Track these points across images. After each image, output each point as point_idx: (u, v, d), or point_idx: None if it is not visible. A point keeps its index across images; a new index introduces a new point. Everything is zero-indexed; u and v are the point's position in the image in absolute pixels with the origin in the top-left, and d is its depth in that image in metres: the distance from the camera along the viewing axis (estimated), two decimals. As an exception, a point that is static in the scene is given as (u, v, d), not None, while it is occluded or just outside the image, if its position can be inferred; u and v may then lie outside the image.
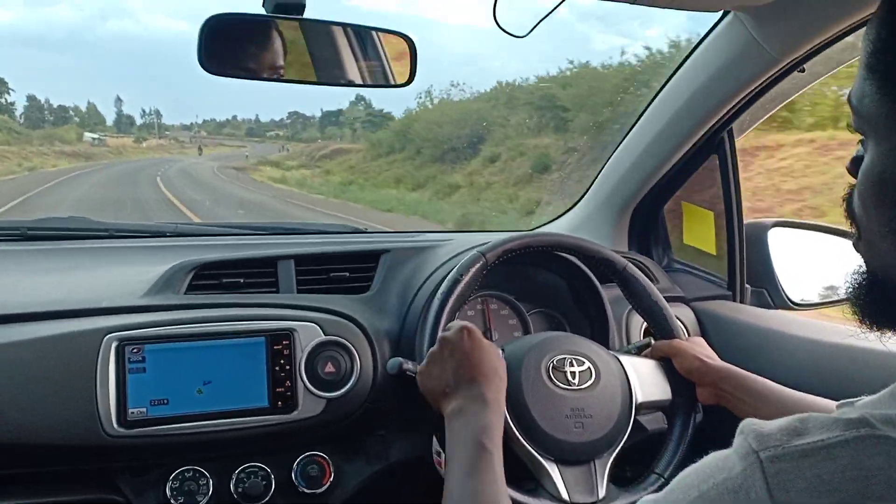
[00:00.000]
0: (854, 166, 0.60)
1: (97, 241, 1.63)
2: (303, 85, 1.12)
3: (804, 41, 1.21)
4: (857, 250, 0.62)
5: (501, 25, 1.14)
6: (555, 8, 1.21)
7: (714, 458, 0.57)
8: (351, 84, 1.16)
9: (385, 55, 1.18)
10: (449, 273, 1.25)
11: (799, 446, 0.51)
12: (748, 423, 0.56)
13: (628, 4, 1.17)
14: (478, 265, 1.24)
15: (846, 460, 0.49)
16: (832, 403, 1.02)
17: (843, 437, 0.50)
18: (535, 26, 1.20)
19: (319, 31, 1.14)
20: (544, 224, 2.12)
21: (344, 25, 1.16)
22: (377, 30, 1.17)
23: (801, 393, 1.11)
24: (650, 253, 1.89)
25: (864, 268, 0.61)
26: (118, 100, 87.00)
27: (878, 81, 0.55)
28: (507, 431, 1.14)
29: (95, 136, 52.58)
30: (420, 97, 23.93)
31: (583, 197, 2.00)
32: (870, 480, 0.48)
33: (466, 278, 1.23)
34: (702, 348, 1.26)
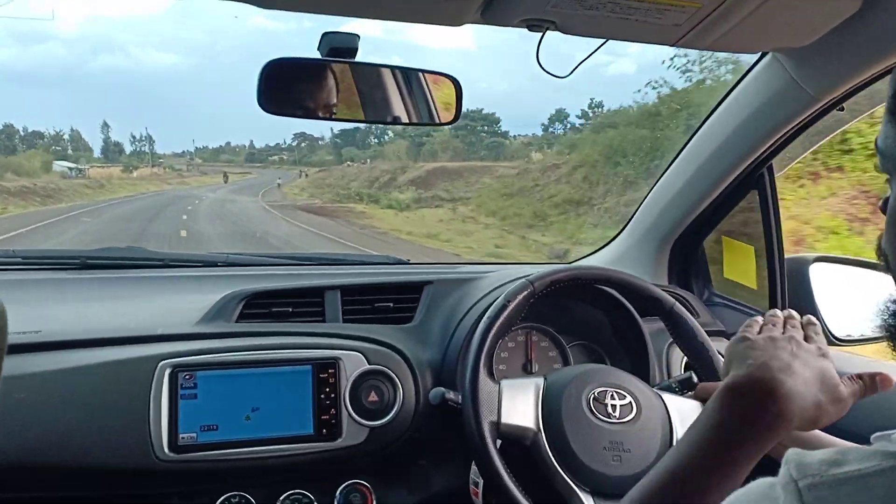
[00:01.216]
0: (884, 206, 0.62)
1: (153, 269, 1.70)
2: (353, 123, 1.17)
3: (843, 81, 1.22)
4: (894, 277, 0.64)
5: (544, 67, 1.18)
6: (595, 50, 1.24)
7: (759, 484, 0.58)
8: (397, 122, 1.20)
9: (431, 95, 1.23)
10: (494, 301, 1.27)
11: (837, 475, 0.52)
12: (792, 453, 0.57)
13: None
14: (525, 293, 1.26)
15: (882, 490, 0.51)
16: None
17: (880, 467, 0.51)
18: (575, 67, 1.24)
19: (370, 73, 1.20)
20: (585, 256, 2.13)
21: (393, 68, 1.21)
22: (424, 71, 1.22)
23: (839, 440, 1.10)
24: (690, 286, 1.89)
25: (894, 297, 0.63)
26: (105, 125, 74.19)
27: None
28: (544, 459, 1.15)
29: (71, 165, 44.70)
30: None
31: (623, 229, 2.01)
32: None
33: (513, 305, 1.24)
34: None
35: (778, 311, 0.98)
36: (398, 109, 1.22)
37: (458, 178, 25.76)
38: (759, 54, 1.36)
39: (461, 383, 1.20)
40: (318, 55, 1.12)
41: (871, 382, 0.90)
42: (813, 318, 0.97)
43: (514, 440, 1.18)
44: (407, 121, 1.23)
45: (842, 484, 0.52)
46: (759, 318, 0.96)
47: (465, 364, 1.22)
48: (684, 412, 1.24)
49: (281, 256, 1.94)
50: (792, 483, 0.54)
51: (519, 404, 1.19)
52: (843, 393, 0.86)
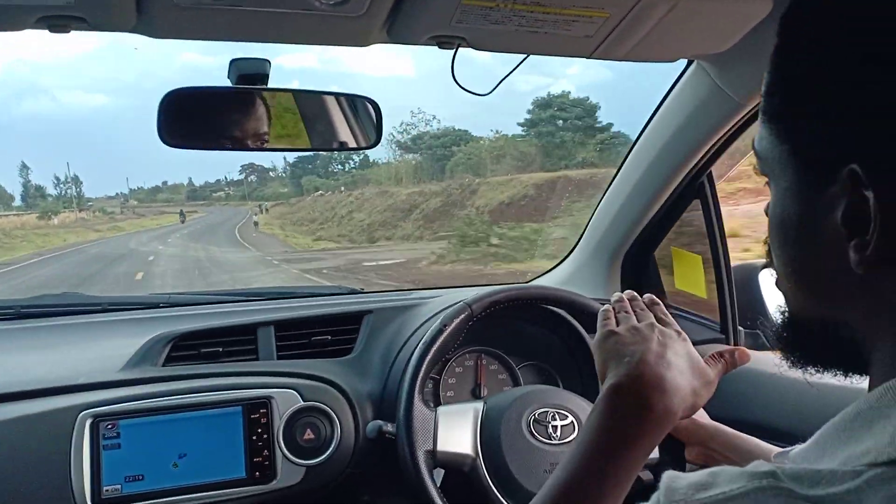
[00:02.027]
0: (768, 208, 0.60)
1: (91, 315, 1.64)
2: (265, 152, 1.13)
3: (764, 85, 1.21)
4: (779, 289, 0.62)
5: (461, 84, 1.15)
6: (517, 66, 1.22)
7: None
8: (313, 148, 1.17)
9: (349, 118, 1.20)
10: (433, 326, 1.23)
11: (703, 499, 0.49)
12: (666, 476, 0.54)
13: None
14: (463, 316, 1.23)
15: None
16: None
17: (743, 489, 0.48)
18: (497, 84, 1.21)
19: (283, 99, 1.16)
20: (538, 276, 2.10)
21: (308, 92, 1.18)
22: (341, 95, 1.19)
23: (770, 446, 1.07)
24: (642, 300, 1.87)
25: (783, 306, 0.61)
26: (24, 167, 62.48)
27: (770, 123, 0.56)
28: (483, 485, 1.12)
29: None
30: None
31: (574, 248, 1.99)
32: None
33: (450, 328, 1.21)
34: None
35: (621, 294, 0.97)
36: (316, 135, 1.18)
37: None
38: (686, 62, 1.35)
39: (400, 414, 1.16)
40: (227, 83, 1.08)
41: (731, 359, 0.93)
42: (655, 298, 0.97)
43: (452, 468, 1.15)
44: (325, 147, 1.20)
45: None
46: (609, 306, 0.94)
47: (401, 391, 1.18)
48: None
49: (232, 294, 1.89)
50: None
51: (456, 431, 1.16)
52: (710, 374, 0.88)
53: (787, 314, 0.61)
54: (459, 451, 1.14)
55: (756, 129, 0.59)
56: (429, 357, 1.19)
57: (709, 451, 1.13)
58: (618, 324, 0.89)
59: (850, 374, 0.57)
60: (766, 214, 0.59)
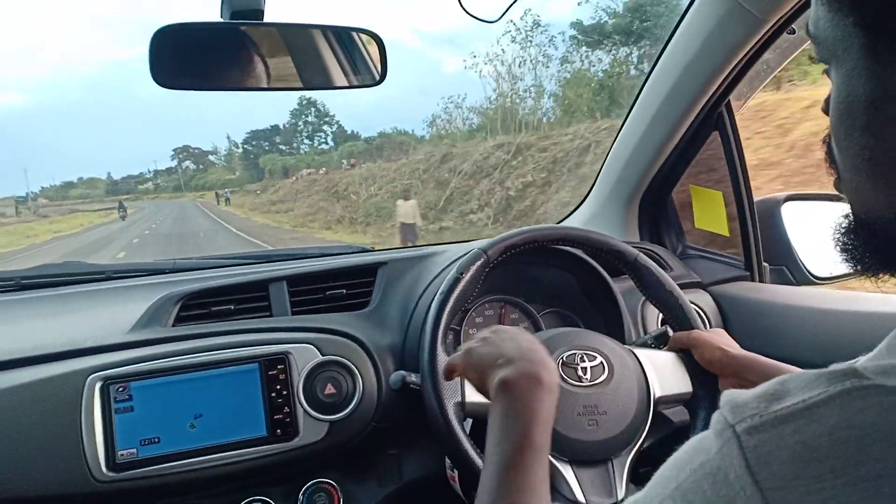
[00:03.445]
0: (827, 104, 0.55)
1: (94, 284, 1.58)
2: (265, 92, 1.06)
3: (787, -3, 1.14)
4: (839, 190, 0.56)
5: (470, 12, 1.09)
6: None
7: (693, 441, 0.50)
8: (320, 86, 1.11)
9: (355, 53, 1.13)
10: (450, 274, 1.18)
11: (778, 412, 0.44)
12: (726, 395, 0.48)
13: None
14: (479, 262, 1.17)
15: (833, 420, 0.42)
16: None
17: (827, 394, 0.43)
18: (505, 11, 1.15)
19: (283, 35, 1.10)
20: (558, 222, 2.05)
21: (311, 27, 1.11)
22: (343, 29, 1.12)
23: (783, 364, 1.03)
24: (662, 241, 1.82)
25: (847, 210, 0.55)
26: None
27: (828, 1, 0.50)
28: None
29: None
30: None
31: (590, 192, 1.93)
32: (863, 441, 0.41)
33: (468, 276, 1.16)
34: (722, 338, 1.18)
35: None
36: (321, 72, 1.11)
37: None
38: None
39: (422, 364, 1.11)
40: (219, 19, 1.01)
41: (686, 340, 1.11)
42: None
43: (482, 418, 1.10)
44: (328, 85, 1.13)
45: (786, 421, 0.43)
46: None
47: (423, 341, 1.13)
48: (659, 365, 1.17)
49: (235, 256, 1.82)
50: (729, 429, 0.45)
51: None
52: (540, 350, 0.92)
53: (851, 218, 0.55)
54: (487, 401, 1.09)
55: (811, 14, 0.53)
56: (448, 307, 1.14)
57: (743, 382, 1.10)
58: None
59: None
60: (825, 113, 0.54)
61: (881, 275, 0.53)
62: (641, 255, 1.26)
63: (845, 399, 0.42)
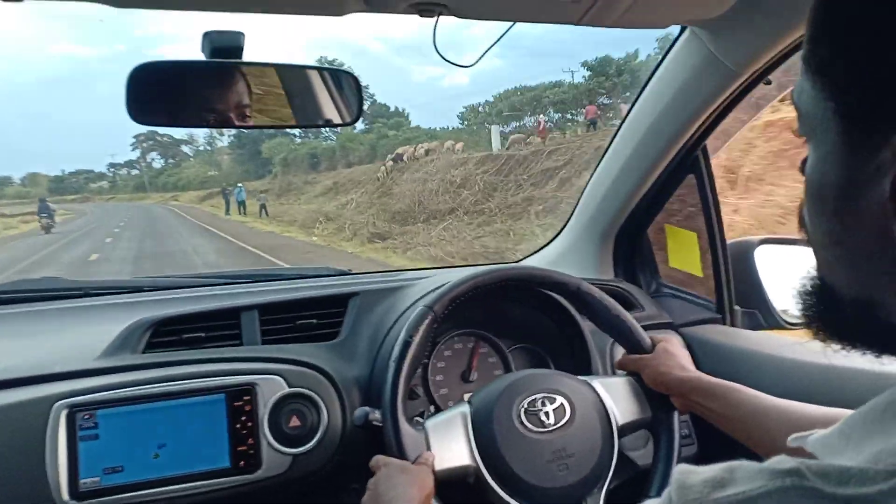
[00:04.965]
0: (803, 165, 0.55)
1: (71, 300, 1.59)
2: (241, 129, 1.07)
3: (761, 52, 1.17)
4: (814, 255, 0.56)
5: (445, 57, 1.11)
6: (501, 36, 1.17)
7: None
8: (293, 125, 1.12)
9: (330, 93, 1.15)
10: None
11: (719, 499, 0.45)
12: (677, 471, 0.50)
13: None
14: (427, 321, 1.17)
15: None
16: (805, 406, 0.97)
17: (766, 489, 0.44)
18: (481, 56, 1.17)
19: (262, 74, 1.11)
20: (526, 257, 2.06)
21: (287, 66, 1.12)
22: (321, 69, 1.14)
23: (774, 398, 1.05)
24: (636, 279, 1.83)
25: (814, 272, 0.56)
26: None
27: (813, 76, 0.50)
28: (487, 488, 1.08)
29: None
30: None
31: (565, 226, 1.95)
32: None
33: (417, 337, 1.15)
34: (669, 358, 1.20)
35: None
36: (295, 111, 1.13)
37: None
38: (680, 30, 1.30)
39: (385, 433, 1.11)
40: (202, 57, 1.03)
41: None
42: None
43: (456, 482, 1.10)
44: (309, 123, 1.14)
45: None
46: None
47: (384, 414, 1.12)
48: (614, 392, 1.20)
49: (216, 276, 1.83)
50: None
51: (451, 444, 1.11)
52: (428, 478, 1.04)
53: (817, 282, 0.56)
54: (459, 465, 1.10)
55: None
56: (404, 372, 1.13)
57: (689, 402, 1.14)
58: None
59: (884, 355, 0.51)
60: (802, 173, 0.54)
61: (836, 344, 0.54)
62: (584, 283, 1.28)
63: (781, 497, 0.43)
